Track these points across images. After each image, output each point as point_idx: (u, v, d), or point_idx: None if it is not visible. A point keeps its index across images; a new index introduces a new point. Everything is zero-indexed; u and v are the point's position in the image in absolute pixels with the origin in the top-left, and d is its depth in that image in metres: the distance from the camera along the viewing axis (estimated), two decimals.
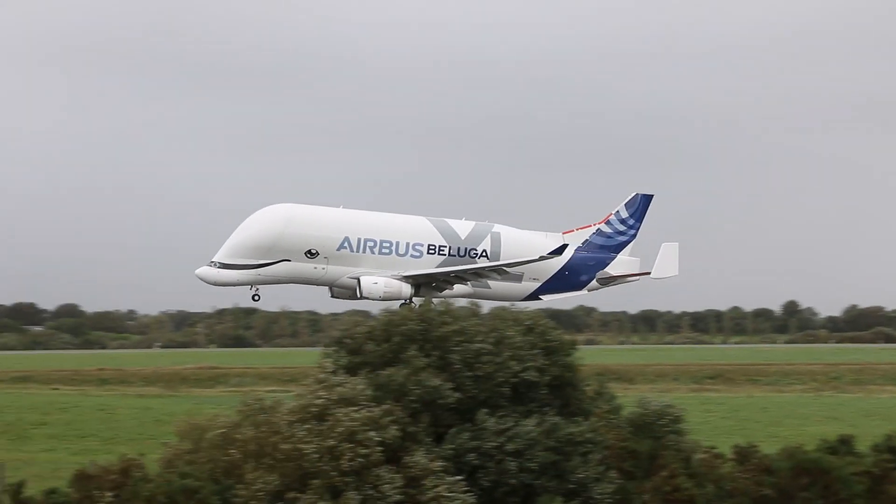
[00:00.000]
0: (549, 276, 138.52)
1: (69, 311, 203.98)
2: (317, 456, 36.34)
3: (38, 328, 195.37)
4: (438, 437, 39.96)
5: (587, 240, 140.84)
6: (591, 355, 63.54)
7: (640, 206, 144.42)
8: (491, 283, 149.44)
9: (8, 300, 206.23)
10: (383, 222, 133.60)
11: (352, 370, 40.50)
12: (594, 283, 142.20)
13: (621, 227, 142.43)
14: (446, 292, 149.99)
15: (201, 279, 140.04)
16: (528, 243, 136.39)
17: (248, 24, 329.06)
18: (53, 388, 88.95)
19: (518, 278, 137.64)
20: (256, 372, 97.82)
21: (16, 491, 35.05)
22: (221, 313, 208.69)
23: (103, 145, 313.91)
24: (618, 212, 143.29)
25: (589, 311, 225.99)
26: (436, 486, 37.19)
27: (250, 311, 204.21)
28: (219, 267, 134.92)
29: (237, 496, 35.46)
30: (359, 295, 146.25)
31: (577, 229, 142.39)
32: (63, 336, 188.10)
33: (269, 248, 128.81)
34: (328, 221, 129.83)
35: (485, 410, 41.01)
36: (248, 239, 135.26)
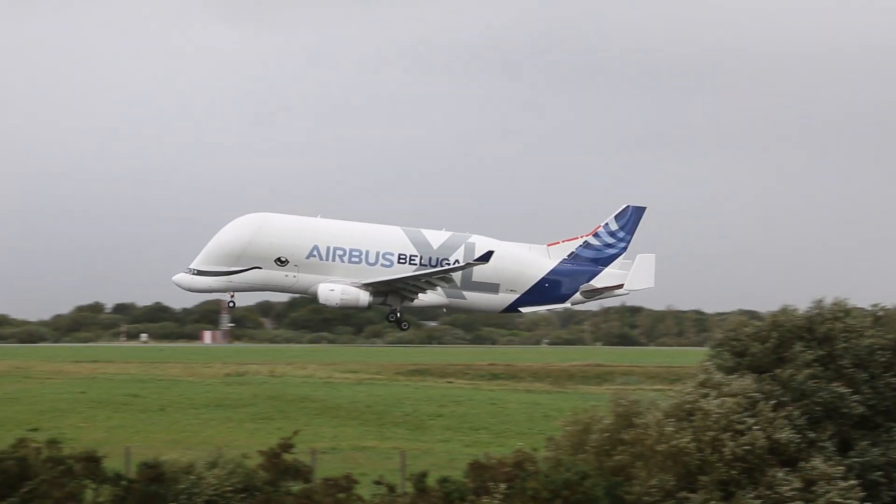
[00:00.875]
0: (528, 287, 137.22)
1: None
2: (695, 446, 35.90)
3: (432, 323, 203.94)
4: (841, 448, 37.80)
5: (573, 252, 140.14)
6: None
7: (632, 218, 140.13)
8: (466, 293, 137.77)
9: None
10: (354, 231, 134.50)
11: (735, 372, 39.80)
12: (578, 295, 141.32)
13: (610, 240, 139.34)
14: (417, 301, 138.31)
15: (177, 285, 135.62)
16: (502, 254, 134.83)
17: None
18: (448, 381, 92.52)
19: (494, 289, 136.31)
20: (642, 371, 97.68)
21: (418, 479, 36.97)
22: (607, 311, 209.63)
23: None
24: (607, 224, 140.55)
25: None
26: (827, 492, 35.88)
27: (636, 310, 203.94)
28: (194, 273, 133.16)
29: (629, 493, 35.69)
30: (319, 301, 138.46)
31: (564, 241, 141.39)
32: (456, 331, 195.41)
33: (239, 256, 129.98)
34: (298, 230, 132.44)
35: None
36: (220, 246, 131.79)
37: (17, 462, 36.65)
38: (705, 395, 37.21)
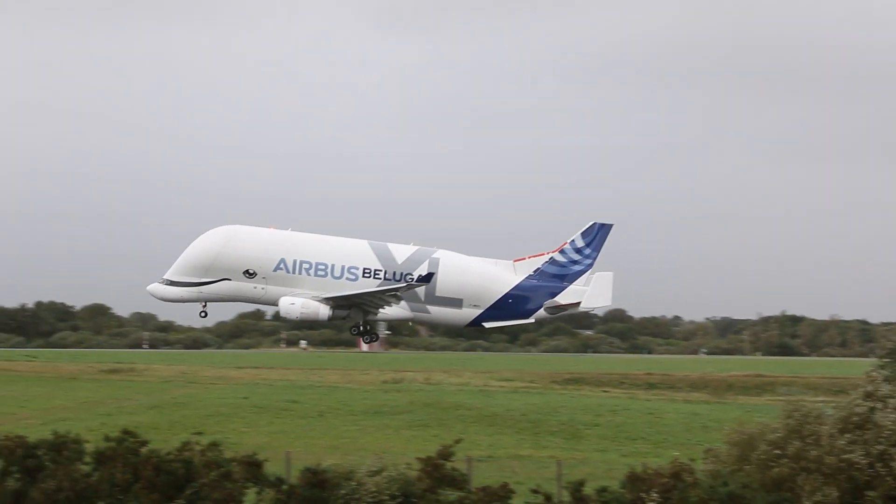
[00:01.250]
0: (491, 302, 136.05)
1: (618, 317, 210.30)
2: (866, 462, 34.86)
3: (588, 332, 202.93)
4: None
5: (539, 268, 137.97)
6: None
7: (598, 235, 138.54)
8: (430, 308, 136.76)
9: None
10: (320, 245, 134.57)
11: None
12: (542, 311, 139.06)
13: (576, 256, 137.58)
14: (381, 314, 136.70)
15: (151, 294, 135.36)
16: (465, 269, 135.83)
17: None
18: (604, 390, 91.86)
19: (458, 304, 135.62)
20: (804, 382, 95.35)
21: (576, 489, 36.70)
22: (766, 321, 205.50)
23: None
24: (573, 241, 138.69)
25: None
26: None
27: (797, 319, 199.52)
28: (167, 284, 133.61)
29: None
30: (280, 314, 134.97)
31: (530, 257, 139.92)
32: (612, 340, 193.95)
33: (208, 268, 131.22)
34: (265, 243, 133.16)
35: None
36: (191, 258, 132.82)
37: (183, 464, 37.63)
38: (873, 409, 36.12)
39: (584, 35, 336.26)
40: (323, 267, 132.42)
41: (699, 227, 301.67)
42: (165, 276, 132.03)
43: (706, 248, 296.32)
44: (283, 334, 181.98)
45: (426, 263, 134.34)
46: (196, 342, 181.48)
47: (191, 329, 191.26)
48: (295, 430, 61.96)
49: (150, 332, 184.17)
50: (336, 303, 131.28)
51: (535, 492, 37.43)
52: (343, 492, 37.11)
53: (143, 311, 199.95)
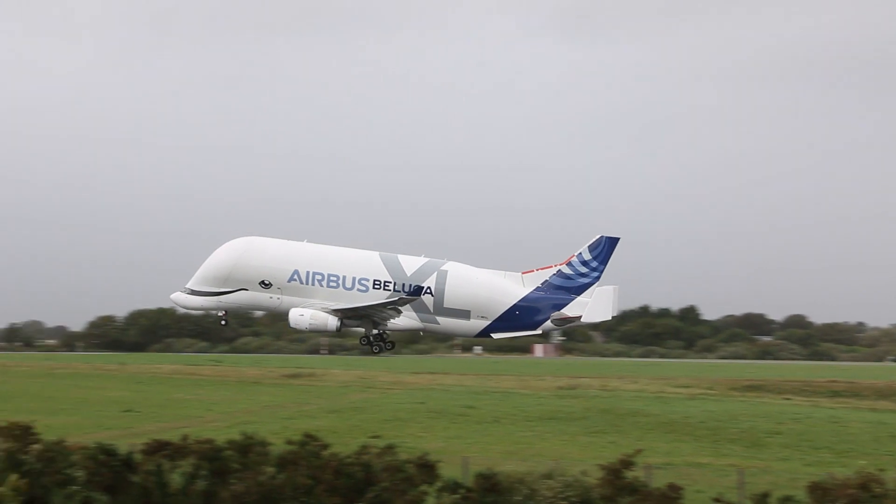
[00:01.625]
0: (499, 314, 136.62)
1: (797, 322, 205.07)
2: None
3: (767, 338, 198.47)
4: None
5: (546, 280, 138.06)
6: None
7: (605, 248, 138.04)
8: (440, 319, 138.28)
9: (739, 310, 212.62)
10: (332, 256, 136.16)
11: None
12: (548, 323, 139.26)
13: (583, 269, 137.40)
14: (392, 325, 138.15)
15: (174, 303, 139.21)
16: (473, 281, 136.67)
17: None
18: (785, 398, 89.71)
19: (465, 315, 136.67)
20: None
21: (760, 499, 35.91)
22: None
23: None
24: (580, 254, 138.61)
25: None
26: None
27: None
28: (188, 293, 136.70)
29: None
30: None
31: (538, 269, 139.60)
32: (792, 346, 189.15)
33: (226, 278, 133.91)
34: (279, 254, 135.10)
35: None
36: (210, 268, 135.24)
37: (362, 468, 38.18)
38: None
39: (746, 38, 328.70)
40: (335, 278, 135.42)
41: (888, 227, 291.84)
42: (187, 286, 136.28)
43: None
44: (458, 340, 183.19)
45: (434, 275, 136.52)
46: None
47: None
48: (471, 435, 62.19)
49: (329, 337, 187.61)
50: (344, 314, 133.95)
51: (717, 501, 36.77)
52: (517, 497, 37.11)
53: None
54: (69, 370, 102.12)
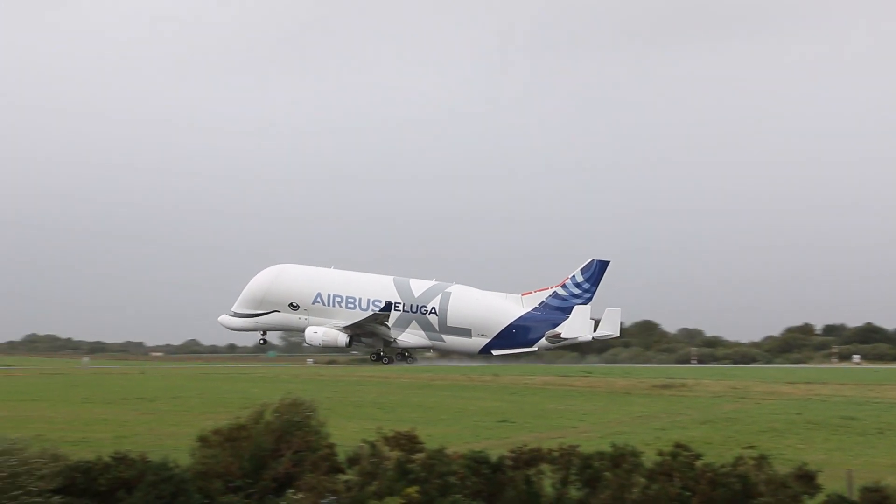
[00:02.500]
0: (497, 332, 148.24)
1: None
2: None
3: None
4: None
5: (543, 301, 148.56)
6: None
7: (596, 271, 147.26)
8: (445, 336, 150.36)
9: None
10: (350, 280, 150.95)
11: None
12: (544, 341, 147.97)
13: (576, 291, 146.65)
14: (401, 342, 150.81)
15: (221, 325, 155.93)
16: (473, 302, 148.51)
17: None
18: None
19: (467, 333, 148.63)
20: None
21: None
22: None
23: None
24: (574, 276, 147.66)
25: None
26: None
27: None
28: (232, 315, 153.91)
29: None
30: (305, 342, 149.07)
31: (536, 291, 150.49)
32: None
33: (261, 301, 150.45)
34: (305, 279, 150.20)
35: None
36: (249, 293, 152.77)
37: (739, 479, 37.41)
38: None
39: None
40: (352, 300, 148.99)
41: None
42: (232, 309, 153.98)
43: None
44: (835, 349, 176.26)
45: (439, 297, 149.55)
46: (744, 357, 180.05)
47: (738, 344, 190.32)
48: (853, 447, 59.60)
49: (698, 347, 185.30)
50: (352, 331, 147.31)
51: None
52: None
53: (690, 327, 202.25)
54: (447, 381, 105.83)
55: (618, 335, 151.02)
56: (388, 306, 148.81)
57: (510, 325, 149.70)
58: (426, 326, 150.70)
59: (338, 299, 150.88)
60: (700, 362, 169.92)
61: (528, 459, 40.29)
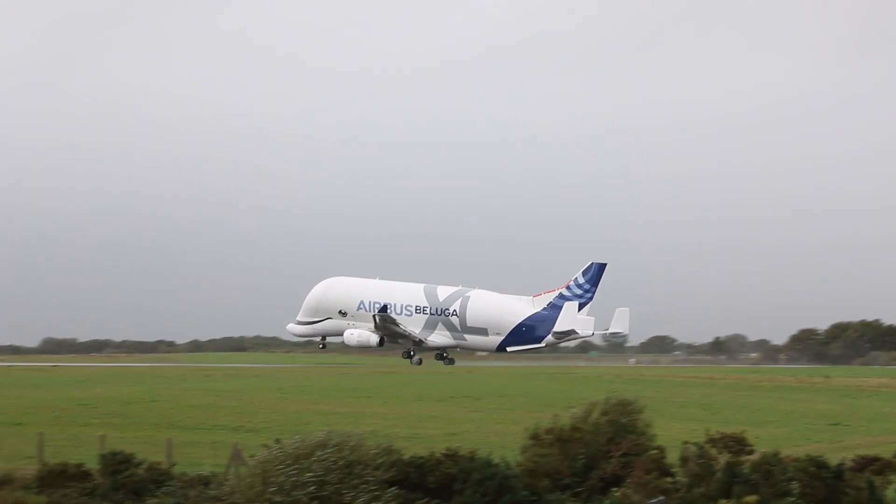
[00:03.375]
0: (509, 330, 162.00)
1: None
2: None
3: None
4: None
5: (550, 301, 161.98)
6: None
7: (595, 272, 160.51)
8: (466, 336, 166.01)
9: None
10: (387, 289, 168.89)
11: None
12: (550, 337, 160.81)
13: (579, 291, 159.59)
14: (430, 342, 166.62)
15: (289, 332, 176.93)
16: (488, 304, 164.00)
17: None
18: None
19: (484, 332, 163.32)
20: None
21: None
22: None
23: None
24: (576, 278, 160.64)
25: None
26: None
27: None
28: (297, 323, 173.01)
29: None
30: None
31: (545, 293, 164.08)
32: None
33: (316, 309, 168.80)
34: (350, 289, 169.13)
35: None
36: (307, 302, 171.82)
37: None
38: None
39: None
40: (389, 306, 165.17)
41: None
42: (297, 317, 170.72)
43: None
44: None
45: (459, 300, 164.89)
46: None
47: None
48: None
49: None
50: (382, 331, 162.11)
51: None
52: None
53: None
54: (774, 383, 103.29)
55: (627, 333, 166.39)
56: (384, 308, 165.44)
57: (520, 323, 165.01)
58: (450, 327, 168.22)
59: (376, 305, 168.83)
60: None
61: (864, 465, 38.76)
